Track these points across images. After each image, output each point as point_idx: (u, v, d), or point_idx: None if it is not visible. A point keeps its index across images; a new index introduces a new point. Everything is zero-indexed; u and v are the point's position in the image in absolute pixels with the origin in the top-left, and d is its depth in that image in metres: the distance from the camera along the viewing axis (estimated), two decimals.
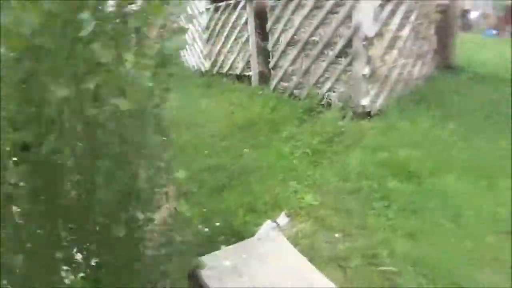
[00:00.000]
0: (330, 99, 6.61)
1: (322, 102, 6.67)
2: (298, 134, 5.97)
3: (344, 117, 6.22)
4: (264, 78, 8.14)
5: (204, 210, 4.51)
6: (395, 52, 6.43)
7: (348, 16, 6.10)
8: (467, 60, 9.07)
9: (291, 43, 7.20)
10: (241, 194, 4.64)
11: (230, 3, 8.63)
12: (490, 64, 9.13)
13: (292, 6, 7.04)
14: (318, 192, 4.48)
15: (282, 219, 3.99)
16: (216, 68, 9.37)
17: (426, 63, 7.41)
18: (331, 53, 6.44)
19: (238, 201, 4.47)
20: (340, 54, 6.33)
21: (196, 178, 5.26)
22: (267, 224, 3.92)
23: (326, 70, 6.61)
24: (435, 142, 5.28)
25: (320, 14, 6.52)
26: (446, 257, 3.38)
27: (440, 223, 3.75)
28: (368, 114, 6.19)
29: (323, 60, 6.64)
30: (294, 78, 7.27)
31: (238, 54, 8.64)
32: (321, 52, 6.64)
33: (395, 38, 6.45)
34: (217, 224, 4.16)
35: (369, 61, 5.99)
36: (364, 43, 5.90)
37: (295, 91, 7.33)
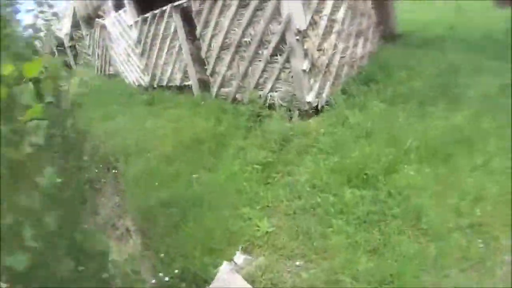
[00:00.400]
0: (273, 100, 6.28)
1: (266, 104, 6.33)
2: (246, 147, 5.60)
3: (291, 117, 5.93)
4: (205, 85, 7.74)
5: (162, 255, 4.21)
6: (333, 37, 6.12)
7: (277, 11, 5.73)
8: (410, 24, 8.92)
9: (223, 47, 6.80)
10: (195, 231, 4.27)
11: (156, 13, 8.11)
12: (433, 25, 9.00)
13: (217, 8, 6.61)
14: (272, 215, 4.18)
15: (239, 257, 3.68)
16: (156, 81, 8.89)
17: (368, 39, 7.16)
18: (266, 52, 6.09)
19: (194, 241, 4.12)
20: (275, 52, 5.98)
21: (150, 218, 4.97)
22: (224, 266, 3.61)
23: (264, 70, 6.26)
24: (388, 129, 5.03)
25: (247, 13, 6.13)
26: (411, 269, 3.16)
27: (402, 231, 3.50)
28: (315, 110, 5.91)
29: (260, 60, 6.28)
30: (234, 83, 6.90)
31: (174, 65, 8.18)
32: (256, 53, 6.27)
33: (330, 23, 6.14)
34: (176, 271, 3.87)
35: (306, 54, 5.67)
36: (297, 37, 5.57)
37: (237, 95, 6.97)
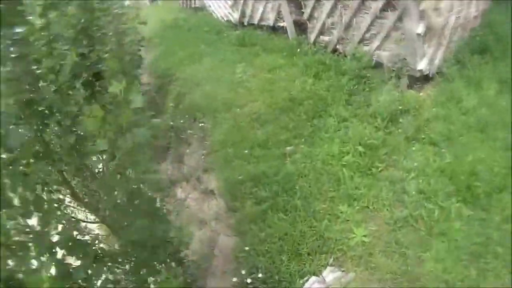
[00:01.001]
0: (380, 60, 6.09)
1: (372, 63, 6.18)
2: (349, 119, 5.67)
3: (399, 85, 5.74)
4: (301, 27, 7.55)
5: (246, 248, 4.67)
6: None
7: None
8: None
9: None
10: (285, 226, 4.63)
11: None
12: None
13: None
14: (371, 220, 4.38)
15: (328, 273, 3.99)
16: (246, 19, 8.82)
17: None
18: (375, 5, 5.76)
19: (282, 238, 4.51)
20: (386, 7, 5.63)
21: (237, 195, 5.38)
22: (312, 282, 3.95)
23: (371, 24, 5.97)
24: (504, 123, 4.82)
25: None
26: None
27: (499, 274, 3.58)
28: (425, 78, 5.73)
29: (367, 13, 5.97)
30: (335, 32, 6.70)
31: (266, 3, 8.00)
32: (362, 3, 5.95)
33: None
34: (260, 275, 4.30)
35: (422, 16, 5.32)
36: None
37: (339, 46, 6.81)
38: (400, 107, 5.42)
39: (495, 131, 4.75)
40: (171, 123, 7.94)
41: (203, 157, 6.90)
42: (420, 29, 5.31)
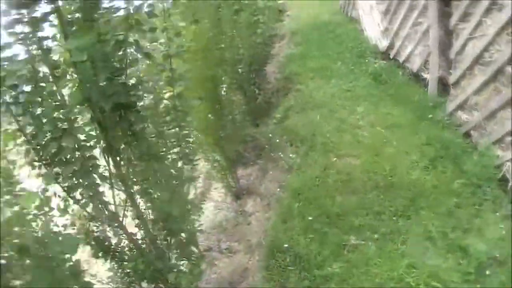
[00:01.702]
0: (508, 176, 4.89)
1: (497, 176, 4.99)
2: (436, 238, 4.54)
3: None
4: (445, 87, 6.37)
5: None
6: None
7: None
8: None
9: (480, 60, 5.29)
10: None
11: None
12: None
13: (484, 4, 5.00)
14: None
15: None
16: (393, 52, 7.83)
17: None
18: None
19: None
20: None
21: (271, 263, 4.98)
22: None
23: None
24: None
25: None
26: None
27: None
28: None
29: None
30: (476, 115, 5.47)
31: (416, 46, 6.90)
32: None
33: None
34: None
35: None
36: None
37: (473, 133, 5.61)
38: (497, 255, 4.20)
39: None
40: (270, 135, 7.73)
41: (278, 189, 6.57)
42: None
